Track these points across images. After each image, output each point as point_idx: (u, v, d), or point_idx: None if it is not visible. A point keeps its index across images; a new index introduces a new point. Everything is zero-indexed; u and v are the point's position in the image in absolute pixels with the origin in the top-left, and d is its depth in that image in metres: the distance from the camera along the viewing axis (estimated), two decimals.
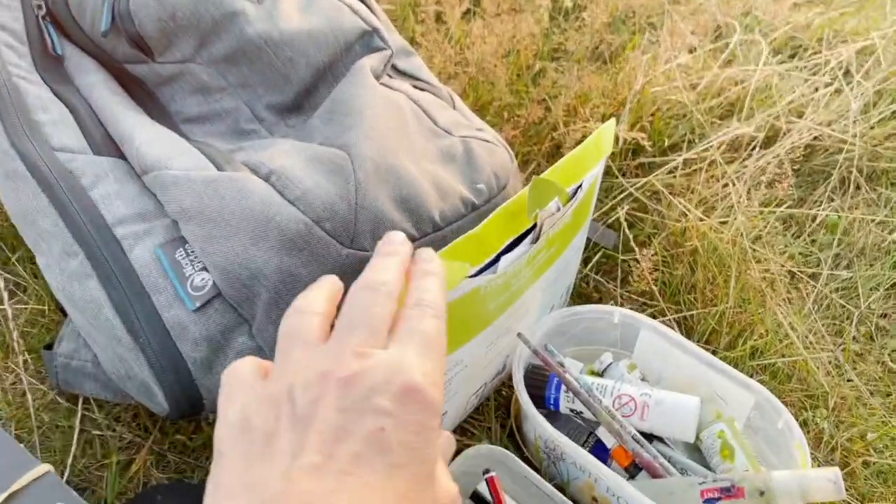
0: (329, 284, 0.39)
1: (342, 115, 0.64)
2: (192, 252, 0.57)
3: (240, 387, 0.34)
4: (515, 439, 0.71)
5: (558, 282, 0.71)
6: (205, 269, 0.57)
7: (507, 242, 0.55)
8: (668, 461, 0.66)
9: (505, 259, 0.56)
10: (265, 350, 0.56)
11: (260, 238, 0.55)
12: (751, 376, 0.76)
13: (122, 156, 0.62)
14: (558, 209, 0.59)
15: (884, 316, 0.88)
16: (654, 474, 0.63)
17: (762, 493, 0.58)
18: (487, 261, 0.54)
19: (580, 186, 0.62)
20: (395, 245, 0.40)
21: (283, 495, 0.29)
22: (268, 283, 0.55)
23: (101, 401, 0.66)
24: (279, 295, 0.55)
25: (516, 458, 0.61)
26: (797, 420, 0.74)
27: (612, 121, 0.67)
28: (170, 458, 0.64)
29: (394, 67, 0.77)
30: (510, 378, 0.72)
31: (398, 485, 0.31)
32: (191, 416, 0.59)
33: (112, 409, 0.66)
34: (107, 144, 0.63)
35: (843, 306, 0.87)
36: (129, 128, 0.61)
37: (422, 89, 0.77)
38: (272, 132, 0.68)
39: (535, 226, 0.57)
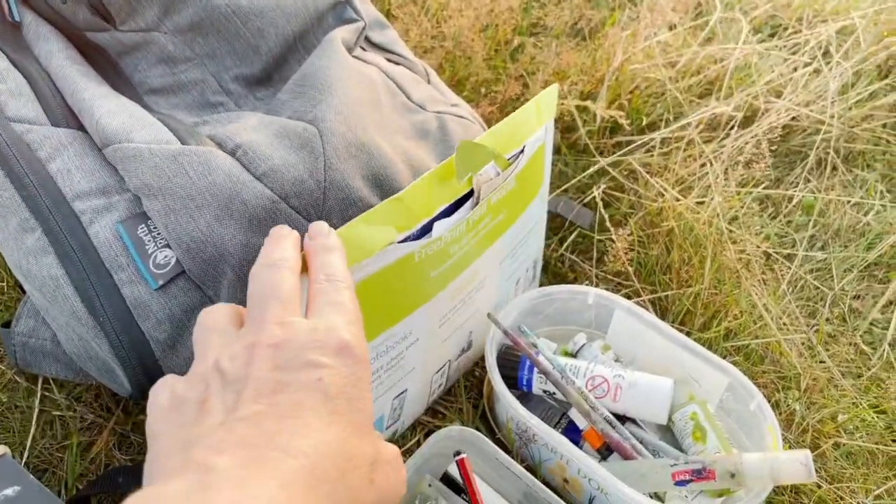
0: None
1: (312, 88, 0.62)
2: (155, 228, 0.56)
3: (167, 380, 0.35)
4: (488, 421, 0.70)
5: (518, 254, 0.70)
6: (168, 246, 0.55)
7: (442, 208, 0.55)
8: (640, 443, 0.66)
9: (439, 224, 0.55)
10: None
11: (225, 214, 0.54)
12: (724, 358, 0.76)
13: (81, 128, 0.60)
14: (497, 174, 0.58)
15: (857, 297, 0.88)
16: (626, 456, 0.63)
17: (733, 476, 0.58)
18: (419, 226, 0.53)
19: (521, 152, 0.62)
20: (286, 230, 0.42)
21: (223, 442, 0.30)
22: (233, 261, 0.54)
23: (61, 380, 0.64)
24: (245, 273, 0.54)
25: (487, 440, 0.60)
26: (770, 401, 0.74)
27: (555, 86, 0.66)
28: (133, 440, 0.63)
29: (367, 40, 0.75)
30: (483, 359, 0.71)
31: (339, 429, 0.32)
32: None
33: (73, 388, 0.65)
34: (66, 116, 0.60)
35: (818, 288, 0.87)
36: (90, 98, 0.59)
37: (396, 63, 0.75)
38: (240, 105, 0.66)
39: (473, 191, 0.57)
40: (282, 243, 0.40)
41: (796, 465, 0.56)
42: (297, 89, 0.63)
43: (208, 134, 0.59)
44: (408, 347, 0.58)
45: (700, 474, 0.59)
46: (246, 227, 0.53)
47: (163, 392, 0.34)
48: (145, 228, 0.56)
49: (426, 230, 0.54)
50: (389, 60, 0.75)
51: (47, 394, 0.64)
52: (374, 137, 0.61)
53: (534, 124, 0.63)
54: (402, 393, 0.61)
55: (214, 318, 0.37)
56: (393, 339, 0.56)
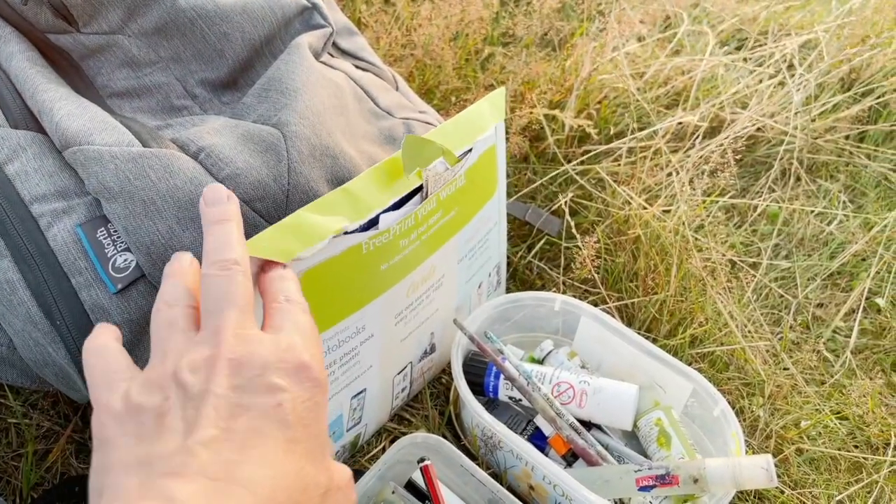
0: (191, 272, 0.40)
1: (277, 92, 0.61)
2: (115, 232, 0.55)
3: (116, 375, 0.34)
4: (454, 427, 0.70)
5: (476, 256, 0.71)
6: (127, 249, 0.54)
7: (394, 201, 0.55)
8: (606, 448, 0.66)
9: (386, 216, 0.55)
10: None
11: (186, 218, 0.53)
12: (690, 364, 0.77)
13: (41, 130, 0.59)
14: (446, 169, 0.59)
15: (820, 305, 0.89)
16: (590, 462, 0.63)
17: (696, 481, 0.58)
18: (369, 217, 0.54)
19: (470, 150, 0.63)
20: (222, 206, 0.42)
21: (183, 467, 0.29)
22: None
23: (17, 387, 0.63)
24: None
25: (452, 447, 0.60)
26: (734, 408, 0.74)
27: (503, 88, 0.68)
28: (90, 448, 0.61)
29: (336, 46, 0.75)
30: (449, 365, 0.71)
31: (296, 459, 0.32)
32: None
33: (29, 395, 0.63)
34: (25, 118, 0.59)
35: (782, 296, 0.88)
36: (50, 100, 0.58)
37: (364, 70, 0.75)
38: (205, 109, 0.66)
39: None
40: (230, 234, 0.40)
41: (758, 470, 0.57)
42: (262, 94, 0.63)
43: (171, 137, 0.58)
44: (362, 343, 0.58)
45: (664, 479, 0.59)
46: None
47: (115, 391, 0.33)
48: (105, 232, 0.55)
49: (372, 223, 0.54)
50: (357, 67, 0.75)
51: (3, 401, 0.63)
52: (340, 142, 0.61)
53: (482, 124, 0.65)
54: (360, 392, 0.61)
55: (176, 316, 0.36)
56: (345, 332, 0.56)
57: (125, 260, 0.54)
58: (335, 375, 0.57)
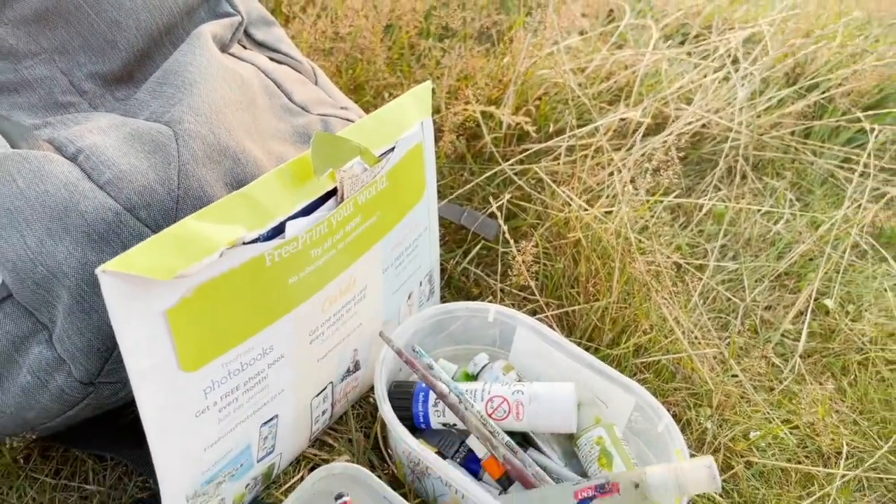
0: None
1: (171, 86, 0.55)
2: None
3: None
4: (382, 451, 0.64)
5: (405, 264, 0.65)
6: None
7: (300, 206, 0.50)
8: (544, 470, 0.61)
9: (293, 224, 0.49)
10: (67, 362, 0.47)
11: (59, 229, 0.47)
12: (634, 375, 0.73)
13: None
14: (364, 170, 0.53)
15: (768, 308, 0.86)
16: (527, 484, 0.58)
17: (637, 486, 0.54)
18: (272, 225, 0.48)
19: (392, 149, 0.58)
20: None
21: None
22: (69, 283, 0.46)
23: None
24: (83, 297, 0.47)
25: (374, 477, 0.54)
26: (680, 421, 0.70)
27: (428, 83, 0.63)
28: None
29: (249, 38, 0.69)
30: None
31: None
32: None
33: None
34: None
35: (729, 299, 0.85)
36: None
37: (280, 62, 0.69)
38: (95, 106, 0.59)
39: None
40: None
41: (701, 471, 0.53)
42: (156, 88, 0.56)
43: (47, 137, 0.51)
44: (270, 365, 0.52)
45: (603, 489, 0.55)
46: (84, 243, 0.46)
47: None
48: None
49: (279, 231, 0.48)
50: (273, 59, 0.69)
51: None
52: (242, 141, 0.55)
53: (406, 121, 0.60)
54: (272, 419, 0.55)
55: None
56: (249, 354, 0.49)
57: None
58: (239, 402, 0.51)
